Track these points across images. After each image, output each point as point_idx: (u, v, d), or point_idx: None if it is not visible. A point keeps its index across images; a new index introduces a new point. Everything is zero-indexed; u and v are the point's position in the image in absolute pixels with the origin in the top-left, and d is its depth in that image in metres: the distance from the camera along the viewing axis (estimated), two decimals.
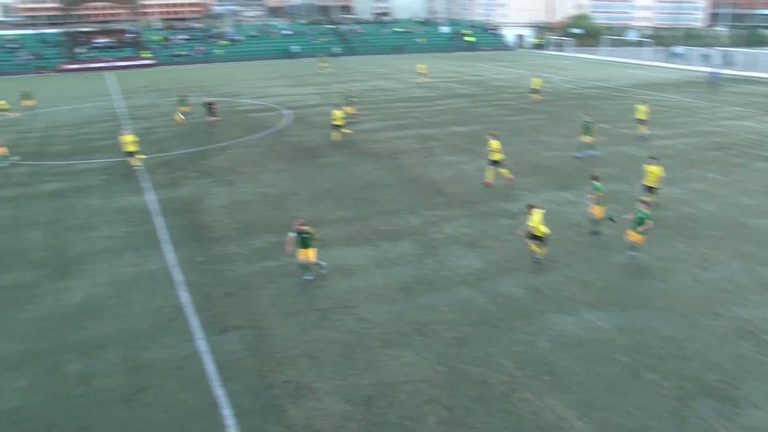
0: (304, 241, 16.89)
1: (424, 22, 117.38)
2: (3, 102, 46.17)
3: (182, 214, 23.14)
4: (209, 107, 39.37)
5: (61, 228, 22.25)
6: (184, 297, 16.56)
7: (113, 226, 22.20)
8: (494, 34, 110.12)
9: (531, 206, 17.70)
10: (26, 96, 47.86)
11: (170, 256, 19.30)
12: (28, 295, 17.02)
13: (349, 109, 39.43)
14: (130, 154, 29.27)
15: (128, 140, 29.12)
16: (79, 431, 11.58)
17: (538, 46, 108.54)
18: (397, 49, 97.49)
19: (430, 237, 20.30)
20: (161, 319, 15.44)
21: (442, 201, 23.91)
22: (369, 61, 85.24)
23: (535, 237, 17.43)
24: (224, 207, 23.86)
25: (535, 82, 47.75)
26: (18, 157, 32.22)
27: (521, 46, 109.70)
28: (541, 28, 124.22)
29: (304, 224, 17.00)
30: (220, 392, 12.50)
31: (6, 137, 38.56)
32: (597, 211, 19.74)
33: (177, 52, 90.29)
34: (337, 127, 33.90)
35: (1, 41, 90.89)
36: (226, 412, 11.93)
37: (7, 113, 45.57)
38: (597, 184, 19.68)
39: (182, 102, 42.43)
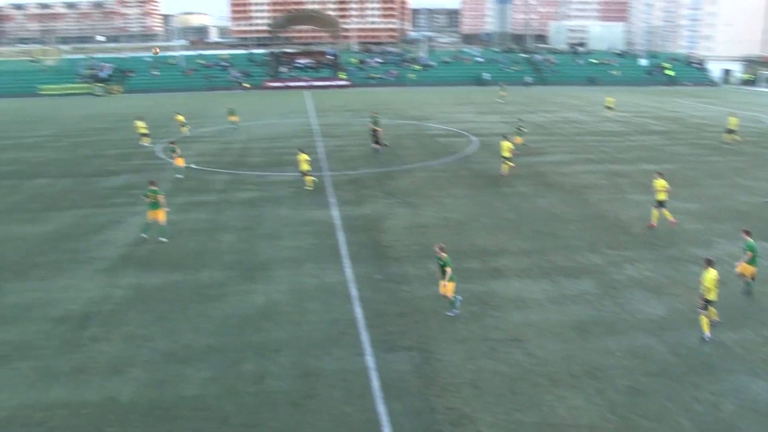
0: (441, 270, 16.70)
1: (622, 54, 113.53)
2: (181, 117, 49.96)
3: (364, 232, 24.02)
4: (373, 133, 39.85)
5: (252, 234, 23.96)
6: (358, 312, 17.13)
7: (299, 237, 23.53)
8: (698, 68, 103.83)
9: (709, 261, 15.63)
10: (231, 113, 51.97)
11: (349, 271, 20.08)
12: (217, 294, 18.48)
13: (518, 140, 38.98)
14: (305, 173, 30.51)
15: (303, 159, 30.40)
16: (249, 427, 12.32)
17: (748, 82, 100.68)
18: (591, 81, 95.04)
19: (610, 277, 19.45)
20: (334, 331, 16.07)
21: (627, 241, 22.84)
22: (561, 92, 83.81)
23: (705, 300, 15.46)
24: (405, 228, 24.44)
25: (732, 122, 44.20)
26: (193, 165, 34.63)
27: (727, 82, 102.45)
28: (753, 63, 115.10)
29: (442, 250, 16.78)
30: (382, 410, 12.75)
31: (211, 147, 42.41)
32: (746, 270, 17.66)
33: (371, 75, 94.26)
34: (506, 158, 33.31)
35: (216, 59, 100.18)
36: (387, 430, 12.13)
37: (184, 129, 49.07)
38: (749, 241, 17.72)
39: (374, 123, 44.05)
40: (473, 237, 23.21)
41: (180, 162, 33.81)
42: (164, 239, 23.24)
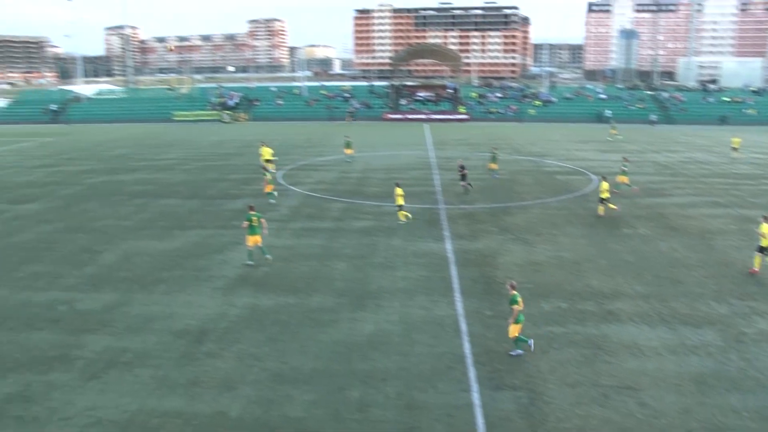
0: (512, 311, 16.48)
1: (758, 92, 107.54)
2: (267, 150, 50.92)
3: (476, 267, 23.83)
4: (461, 171, 38.81)
5: (364, 263, 24.31)
6: (467, 347, 16.95)
7: (410, 268, 23.65)
8: None
9: None
10: (347, 145, 52.29)
11: (459, 305, 19.95)
12: (327, 319, 18.83)
13: (622, 178, 37.58)
14: (400, 207, 30.38)
15: (399, 193, 30.49)
16: None
17: None
18: (722, 120, 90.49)
19: (737, 329, 18.27)
20: (441, 365, 15.97)
21: (758, 291, 21.41)
22: (688, 131, 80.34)
23: None
24: (518, 265, 24.07)
25: None
26: (273, 201, 35.29)
27: None
28: None
29: (514, 287, 16.67)
30: None
31: (329, 176, 43.59)
32: None
33: (491, 109, 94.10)
34: (603, 200, 32.14)
35: (338, 90, 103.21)
36: None
37: (270, 164, 50.02)
38: None
39: (492, 159, 43.78)
40: (588, 278, 22.54)
41: (269, 188, 35.32)
42: (269, 256, 24.24)
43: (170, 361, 16.14)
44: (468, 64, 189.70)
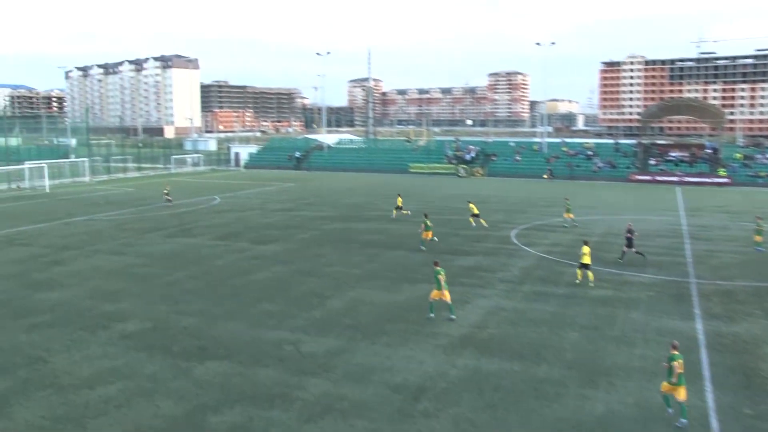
0: (670, 369, 15.88)
1: None
2: (399, 199, 52.77)
3: (733, 354, 21.58)
4: (628, 235, 35.36)
5: (599, 335, 23.12)
6: None
7: (651, 346, 22.04)
8: None
9: None
10: (567, 210, 50.14)
11: (709, 396, 18.09)
12: (552, 392, 18.05)
13: None
14: (586, 266, 29.91)
15: (586, 251, 29.90)
16: None
17: None
18: None
19: None
20: None
21: None
22: None
23: None
24: None
25: None
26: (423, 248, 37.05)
27: None
28: None
29: (675, 348, 16.00)
30: None
31: (566, 238, 42.60)
32: None
33: (759, 173, 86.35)
34: None
35: (580, 147, 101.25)
36: None
37: (404, 212, 51.66)
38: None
39: (757, 230, 40.01)
40: None
41: (428, 235, 38.39)
42: (454, 316, 24.57)
43: (385, 415, 16.41)
44: (732, 121, 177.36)
